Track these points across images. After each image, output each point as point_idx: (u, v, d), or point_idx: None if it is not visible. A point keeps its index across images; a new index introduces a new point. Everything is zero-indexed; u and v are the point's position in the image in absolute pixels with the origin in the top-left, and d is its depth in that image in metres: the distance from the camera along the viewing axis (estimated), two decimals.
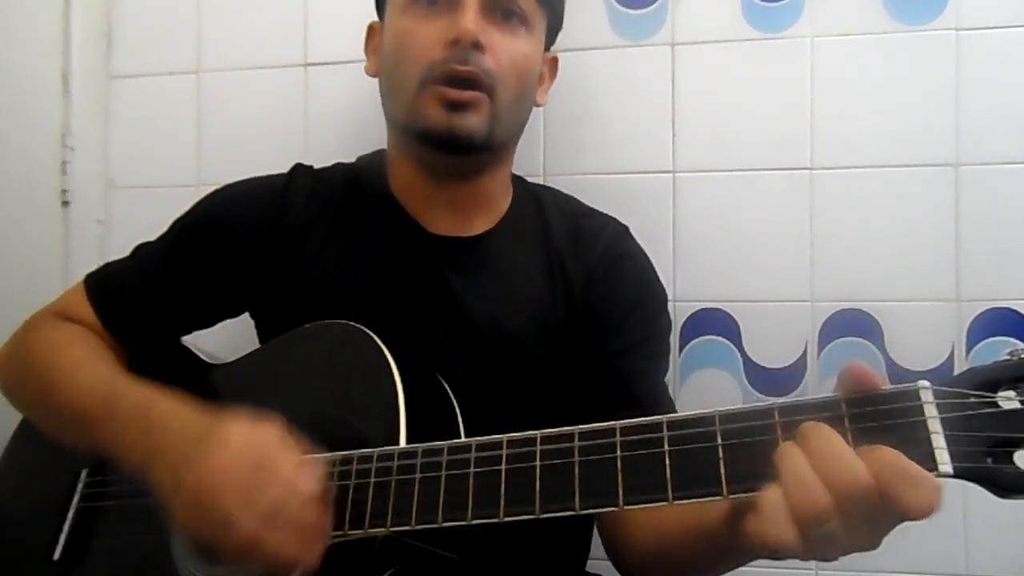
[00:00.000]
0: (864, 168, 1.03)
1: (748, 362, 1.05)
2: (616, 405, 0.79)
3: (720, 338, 1.06)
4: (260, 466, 0.60)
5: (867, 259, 1.03)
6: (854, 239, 1.03)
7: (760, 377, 1.05)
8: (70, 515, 0.79)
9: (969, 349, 1.00)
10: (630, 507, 0.52)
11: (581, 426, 0.56)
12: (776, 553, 0.48)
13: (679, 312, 1.06)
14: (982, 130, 1.01)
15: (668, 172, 1.08)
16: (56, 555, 0.77)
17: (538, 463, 0.56)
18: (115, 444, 0.70)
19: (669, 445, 0.52)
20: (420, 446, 0.61)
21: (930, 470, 0.45)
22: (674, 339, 1.05)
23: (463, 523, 0.57)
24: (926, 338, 1.01)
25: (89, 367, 0.79)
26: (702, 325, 1.07)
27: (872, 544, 0.48)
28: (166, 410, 0.69)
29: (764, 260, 1.05)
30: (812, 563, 1.01)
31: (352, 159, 0.95)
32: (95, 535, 0.78)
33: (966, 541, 0.99)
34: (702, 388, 1.06)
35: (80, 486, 0.80)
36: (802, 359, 1.04)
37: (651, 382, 0.84)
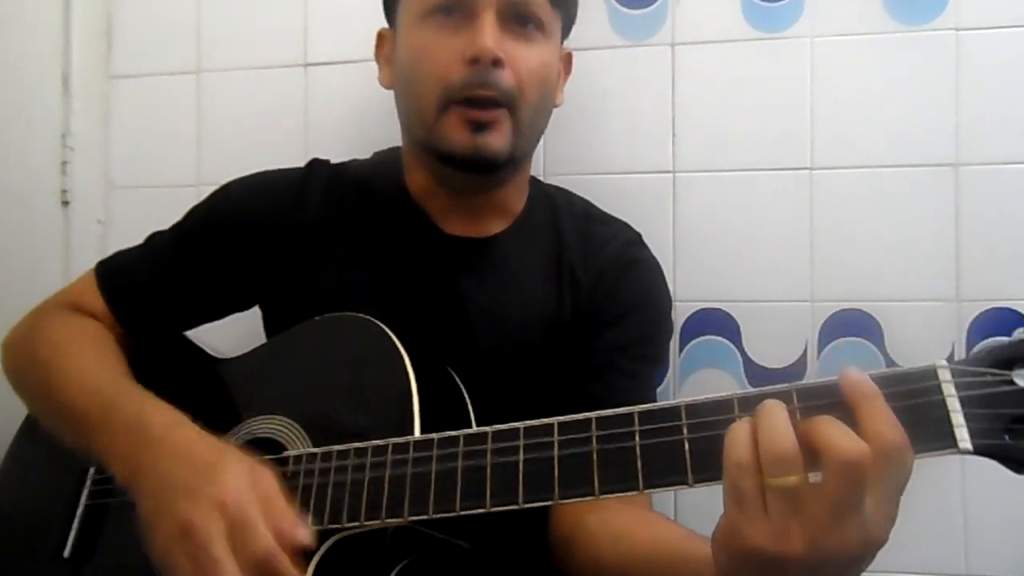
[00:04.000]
0: (864, 168, 1.03)
1: (748, 362, 1.05)
2: (596, 401, 0.79)
3: (720, 338, 1.06)
4: (253, 516, 0.59)
5: (867, 259, 1.03)
6: (854, 239, 1.03)
7: (760, 377, 1.04)
8: (79, 513, 0.79)
9: (969, 349, 1.00)
10: (649, 491, 0.53)
11: (598, 412, 0.56)
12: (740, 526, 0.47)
13: (679, 312, 1.06)
14: (982, 130, 1.01)
15: (668, 172, 1.08)
16: (66, 553, 0.77)
17: (555, 451, 0.56)
18: (107, 454, 0.69)
19: (688, 432, 0.52)
20: (435, 436, 0.62)
21: (949, 448, 0.46)
22: (674, 339, 1.05)
23: (482, 510, 0.57)
24: (926, 338, 1.01)
25: (91, 368, 0.78)
26: (702, 325, 1.07)
27: (841, 544, 0.46)
28: (159, 427, 0.67)
29: (764, 260, 1.05)
30: None
31: (353, 159, 0.95)
32: (104, 532, 0.78)
33: (966, 541, 0.99)
34: (702, 388, 1.06)
35: (88, 483, 0.81)
36: (802, 359, 1.04)
37: (635, 384, 0.83)
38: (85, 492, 0.80)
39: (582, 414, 0.57)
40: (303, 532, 0.60)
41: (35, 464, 0.87)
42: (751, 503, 0.46)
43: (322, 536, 0.64)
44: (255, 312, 0.92)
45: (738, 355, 1.06)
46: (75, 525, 0.78)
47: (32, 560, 0.80)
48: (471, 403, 0.75)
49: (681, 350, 1.07)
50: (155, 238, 0.90)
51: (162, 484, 0.62)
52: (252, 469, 0.62)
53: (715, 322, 1.06)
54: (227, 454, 0.63)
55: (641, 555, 0.66)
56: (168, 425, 0.67)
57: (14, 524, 0.84)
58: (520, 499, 0.56)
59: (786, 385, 0.51)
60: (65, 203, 1.16)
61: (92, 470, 0.81)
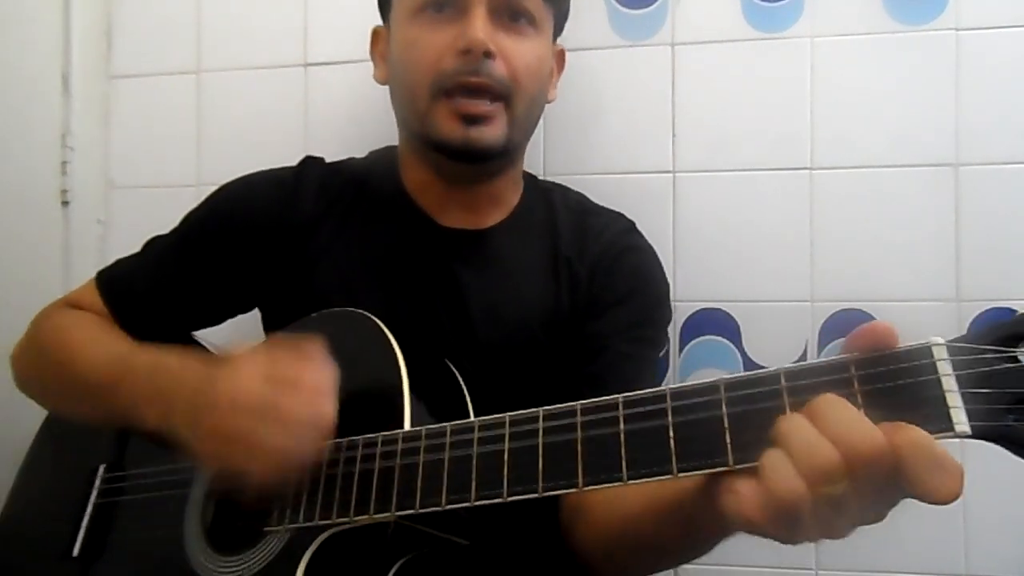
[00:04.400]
0: (864, 168, 1.03)
1: (748, 362, 1.05)
2: (591, 384, 0.76)
3: (720, 338, 1.06)
4: (276, 383, 0.62)
5: (867, 259, 1.03)
6: (854, 239, 1.03)
7: None
8: (88, 512, 0.80)
9: None
10: (633, 482, 0.51)
11: (583, 401, 0.55)
12: (776, 524, 0.45)
13: (679, 312, 1.06)
14: (982, 130, 1.01)
15: (668, 172, 1.08)
16: (75, 552, 0.78)
17: (540, 441, 0.55)
18: (132, 405, 0.71)
19: (673, 416, 0.50)
20: (423, 428, 0.61)
21: (946, 431, 0.43)
22: (674, 339, 1.06)
23: (467, 504, 0.57)
24: (926, 338, 1.01)
25: (103, 340, 0.82)
26: (702, 325, 1.07)
27: (879, 516, 0.45)
28: (177, 361, 0.71)
29: (764, 260, 1.05)
30: (812, 562, 1.01)
31: (350, 157, 0.95)
32: (113, 531, 0.78)
33: (966, 541, 0.99)
34: None
35: (98, 482, 0.81)
36: (802, 359, 1.04)
37: (632, 366, 0.83)
38: (94, 491, 0.81)
39: (567, 403, 0.55)
40: (327, 407, 0.63)
41: (47, 466, 0.88)
42: (802, 521, 0.44)
43: (314, 532, 0.64)
44: (256, 311, 0.92)
45: (738, 355, 1.06)
46: (84, 524, 0.79)
47: (42, 559, 0.80)
48: (472, 396, 0.75)
49: (681, 350, 1.07)
50: (153, 244, 0.90)
51: (188, 405, 0.66)
52: (262, 355, 0.65)
53: (715, 322, 1.06)
54: (239, 357, 0.66)
55: (637, 511, 0.65)
56: (183, 360, 0.71)
57: (25, 524, 0.85)
58: (504, 492, 0.55)
59: (774, 368, 0.49)
60: (65, 203, 1.16)
61: (101, 469, 0.82)
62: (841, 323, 1.03)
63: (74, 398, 0.81)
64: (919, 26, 1.03)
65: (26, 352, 0.87)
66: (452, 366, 0.78)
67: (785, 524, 0.45)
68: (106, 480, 0.81)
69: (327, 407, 0.63)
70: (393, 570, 0.68)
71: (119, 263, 0.91)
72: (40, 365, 0.85)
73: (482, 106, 0.79)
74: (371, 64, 0.92)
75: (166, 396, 0.68)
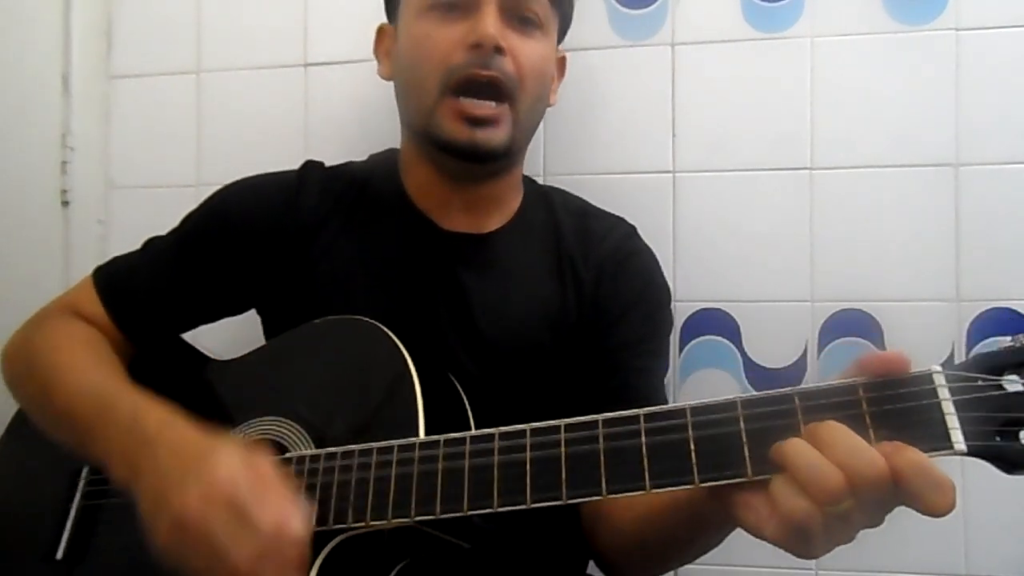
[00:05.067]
0: (864, 168, 1.04)
1: (748, 362, 1.05)
2: (609, 400, 0.80)
3: (720, 338, 1.06)
4: (249, 502, 0.58)
5: (867, 259, 1.03)
6: (854, 239, 1.03)
7: (760, 377, 1.05)
8: (72, 514, 0.79)
9: (969, 349, 1.00)
10: (656, 491, 0.53)
11: (605, 414, 0.57)
12: (790, 540, 0.49)
13: (679, 312, 1.06)
14: (982, 130, 1.01)
15: (668, 172, 1.08)
16: (59, 555, 0.77)
17: (563, 451, 0.57)
18: (105, 457, 0.69)
19: (693, 431, 0.54)
20: (441, 437, 0.62)
21: (945, 449, 0.48)
22: (674, 339, 1.05)
23: (489, 510, 0.58)
24: (926, 338, 1.01)
25: (87, 371, 0.78)
26: (702, 325, 1.07)
27: (879, 522, 0.50)
28: (155, 426, 0.66)
29: (764, 260, 1.05)
30: (812, 562, 1.01)
31: (354, 159, 0.95)
32: (98, 534, 0.77)
33: (966, 541, 0.99)
34: (702, 388, 1.06)
35: (81, 484, 0.80)
36: (802, 359, 1.04)
37: (646, 380, 0.84)
38: (78, 493, 0.80)
39: (588, 416, 0.57)
40: (297, 521, 0.59)
41: (25, 464, 0.86)
42: (814, 537, 0.48)
43: (326, 537, 0.64)
44: (250, 314, 0.92)
45: (738, 355, 1.06)
46: (68, 526, 0.78)
47: (24, 562, 0.79)
48: (476, 399, 0.75)
49: (681, 350, 1.07)
50: (153, 243, 0.90)
51: (157, 482, 0.62)
52: (245, 455, 0.62)
53: (715, 322, 1.06)
54: (219, 444, 0.63)
55: (654, 514, 0.67)
56: (162, 423, 0.66)
57: (5, 525, 0.83)
58: (528, 499, 0.57)
59: (788, 389, 0.52)
60: (65, 203, 1.16)
61: (85, 470, 0.81)
62: (841, 323, 1.03)
63: (53, 427, 0.79)
64: (919, 26, 1.03)
65: (17, 357, 0.85)
66: (453, 378, 0.78)
67: (799, 539, 0.49)
68: (91, 482, 0.80)
69: (303, 551, 0.59)
70: (394, 572, 0.68)
71: (116, 261, 0.90)
72: (27, 380, 0.83)
73: (487, 108, 0.79)
74: (371, 64, 0.92)
75: (135, 462, 0.65)
